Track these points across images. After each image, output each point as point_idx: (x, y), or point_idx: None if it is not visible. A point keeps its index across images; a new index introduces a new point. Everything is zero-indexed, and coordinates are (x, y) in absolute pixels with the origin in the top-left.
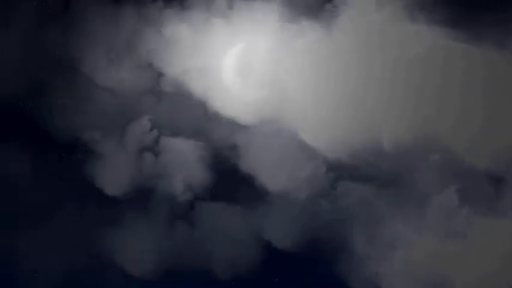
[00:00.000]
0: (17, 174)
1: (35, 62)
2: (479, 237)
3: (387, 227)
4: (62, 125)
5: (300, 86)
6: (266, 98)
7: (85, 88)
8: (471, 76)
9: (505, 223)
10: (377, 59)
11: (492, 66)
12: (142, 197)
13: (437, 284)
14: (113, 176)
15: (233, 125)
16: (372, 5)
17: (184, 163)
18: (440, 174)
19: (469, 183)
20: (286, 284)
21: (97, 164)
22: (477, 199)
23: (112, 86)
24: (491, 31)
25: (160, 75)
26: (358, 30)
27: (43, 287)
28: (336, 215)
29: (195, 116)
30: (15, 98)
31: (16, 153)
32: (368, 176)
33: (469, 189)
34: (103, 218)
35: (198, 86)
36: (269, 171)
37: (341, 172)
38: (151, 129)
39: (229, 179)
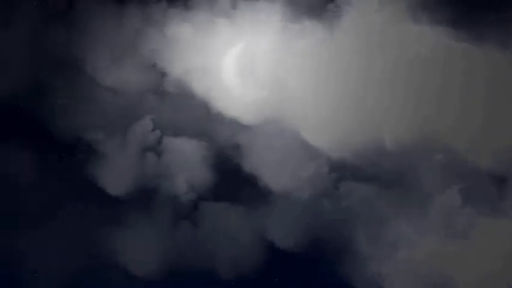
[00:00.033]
0: (19, 174)
1: (37, 62)
2: (482, 237)
3: (389, 227)
4: (64, 125)
5: (303, 86)
6: (269, 98)
7: (88, 88)
8: (473, 76)
9: (508, 223)
10: (379, 59)
11: (494, 66)
12: (145, 197)
13: (440, 284)
14: (115, 176)
15: (236, 125)
16: (375, 5)
17: (186, 163)
18: (443, 174)
19: (471, 184)
20: (288, 284)
21: (99, 164)
22: (480, 199)
23: (115, 85)
24: (493, 31)
25: (163, 75)
26: (360, 30)
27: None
28: (339, 215)
29: (197, 116)
30: (17, 98)
31: (18, 152)
32: (371, 176)
33: (472, 189)
34: (105, 218)
35: (200, 86)
36: (272, 171)
37: (344, 172)
38: (153, 129)
39: (232, 179)
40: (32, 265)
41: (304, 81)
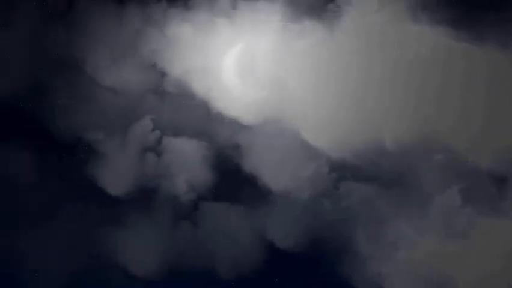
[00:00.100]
0: (19, 174)
1: (37, 62)
2: (482, 237)
3: (389, 227)
4: (64, 125)
5: (303, 86)
6: (269, 98)
7: (88, 88)
8: (473, 76)
9: (508, 223)
10: (379, 59)
11: (494, 66)
12: (145, 197)
13: (440, 284)
14: (115, 176)
15: (236, 125)
16: (375, 5)
17: (186, 163)
18: (443, 174)
19: (471, 184)
20: (288, 284)
21: (99, 164)
22: (480, 199)
23: (115, 85)
24: (493, 31)
25: (163, 75)
26: (360, 30)
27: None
28: (339, 215)
29: (197, 116)
30: (17, 98)
31: (18, 152)
32: (371, 176)
33: (472, 189)
34: (105, 218)
35: (200, 86)
36: (272, 171)
37: (344, 172)
38: (153, 129)
39: (232, 179)
40: (32, 265)
41: (304, 81)
